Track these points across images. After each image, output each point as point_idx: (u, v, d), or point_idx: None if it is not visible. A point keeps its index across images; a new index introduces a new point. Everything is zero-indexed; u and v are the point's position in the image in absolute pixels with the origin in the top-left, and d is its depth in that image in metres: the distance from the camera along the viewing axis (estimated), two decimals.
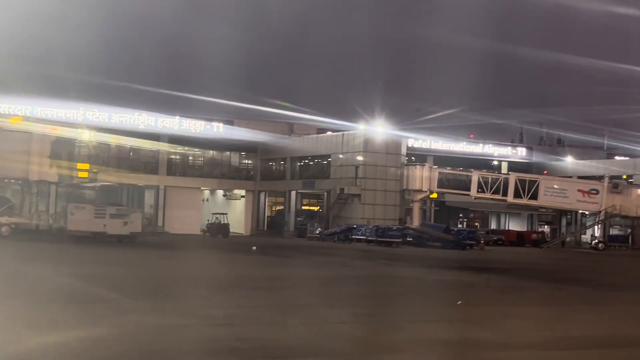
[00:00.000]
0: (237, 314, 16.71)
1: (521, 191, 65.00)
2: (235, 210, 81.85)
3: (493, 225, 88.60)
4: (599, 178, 66.06)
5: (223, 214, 64.72)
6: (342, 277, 27.75)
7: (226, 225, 62.97)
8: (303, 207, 77.70)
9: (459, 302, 20.71)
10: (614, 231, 76.00)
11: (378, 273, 30.81)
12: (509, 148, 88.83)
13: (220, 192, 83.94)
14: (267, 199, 79.47)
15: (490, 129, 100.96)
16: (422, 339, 14.37)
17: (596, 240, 64.95)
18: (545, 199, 65.01)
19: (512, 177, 65.52)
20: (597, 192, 63.69)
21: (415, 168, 66.61)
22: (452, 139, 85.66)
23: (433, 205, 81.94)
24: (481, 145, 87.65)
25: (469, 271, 33.80)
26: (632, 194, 63.77)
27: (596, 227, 66.50)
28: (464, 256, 46.34)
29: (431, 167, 66.59)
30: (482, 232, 71.27)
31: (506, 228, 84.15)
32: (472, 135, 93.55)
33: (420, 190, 66.63)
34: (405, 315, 17.68)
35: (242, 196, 79.79)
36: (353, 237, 58.30)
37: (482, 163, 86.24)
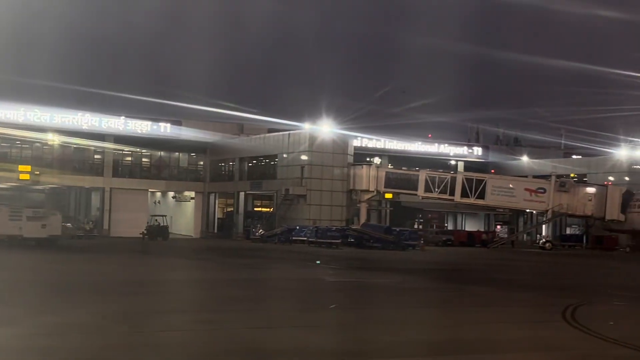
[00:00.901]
0: (66, 322, 15.39)
1: (468, 190, 64.11)
2: (186, 213, 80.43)
3: (450, 226, 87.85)
4: (547, 177, 65.36)
5: (162, 216, 63.19)
6: (236, 280, 26.45)
7: (165, 228, 61.42)
8: (256, 209, 76.35)
9: (333, 306, 19.57)
10: (573, 231, 75.50)
11: (280, 275, 29.55)
12: (465, 148, 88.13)
13: (171, 194, 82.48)
14: (217, 201, 77.98)
15: (451, 129, 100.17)
16: (232, 349, 13.12)
17: (543, 240, 64.15)
18: (492, 198, 64.15)
19: (460, 176, 64.60)
20: (544, 191, 62.93)
21: (362, 168, 65.46)
22: (407, 139, 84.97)
23: (388, 206, 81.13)
24: (437, 145, 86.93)
25: (388, 272, 32.65)
26: (578, 192, 63.05)
27: (544, 226, 65.62)
28: (398, 257, 45.19)
29: (378, 167, 65.48)
30: (432, 233, 70.47)
31: (463, 228, 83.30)
32: (430, 135, 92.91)
33: (367, 191, 65.49)
34: (253, 321, 16.42)
35: (192, 198, 78.30)
36: (293, 238, 57.03)
37: (439, 163, 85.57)
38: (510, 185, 64.14)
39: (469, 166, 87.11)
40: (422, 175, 65.19)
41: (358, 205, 66.50)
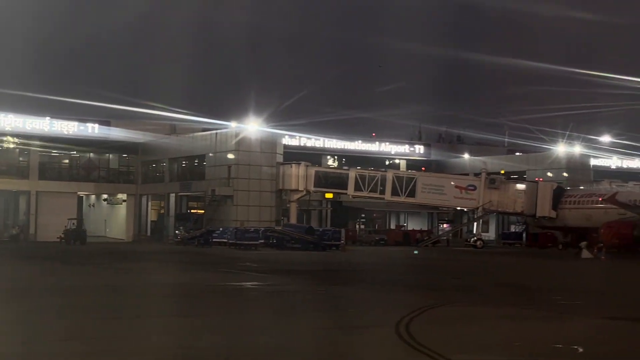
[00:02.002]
0: None
1: (399, 189, 62.86)
2: (119, 216, 78.27)
3: (392, 225, 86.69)
4: (478, 174, 64.36)
5: (79, 219, 61.02)
6: (90, 287, 24.61)
7: (83, 231, 59.24)
8: (191, 211, 74.40)
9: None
10: (518, 229, 74.54)
11: (152, 281, 27.78)
12: (407, 146, 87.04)
13: (103, 197, 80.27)
14: (150, 203, 75.95)
15: (399, 129, 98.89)
16: None
17: (474, 238, 63.09)
18: (422, 196, 62.96)
19: (390, 174, 63.31)
20: (475, 188, 61.91)
21: (291, 167, 63.85)
22: (348, 138, 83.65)
23: (329, 206, 79.75)
24: (378, 143, 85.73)
25: (278, 274, 31.03)
26: (509, 189, 62.14)
27: (475, 224, 64.58)
28: (308, 258, 43.61)
29: (307, 166, 63.86)
30: (365, 232, 69.09)
31: (405, 227, 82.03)
32: (373, 134, 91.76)
33: (297, 190, 63.93)
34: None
35: (124, 200, 76.14)
36: (214, 240, 55.30)
37: (380, 162, 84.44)
38: (441, 183, 62.96)
39: (412, 164, 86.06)
40: (352, 173, 63.84)
41: (288, 205, 64.92)
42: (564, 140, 75.07)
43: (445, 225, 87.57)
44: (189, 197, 72.97)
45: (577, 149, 74.33)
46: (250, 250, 50.82)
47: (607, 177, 77.19)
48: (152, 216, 76.21)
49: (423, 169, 73.79)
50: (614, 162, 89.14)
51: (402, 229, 74.30)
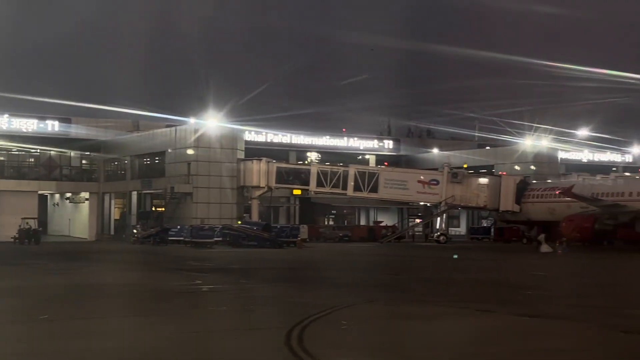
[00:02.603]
0: None
1: (361, 184, 61.95)
2: (82, 215, 76.97)
3: (362, 221, 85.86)
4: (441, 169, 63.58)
5: (33, 218, 59.71)
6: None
7: (37, 231, 57.91)
8: (154, 209, 73.20)
9: (44, 317, 16.88)
10: (490, 224, 73.82)
11: (74, 281, 26.64)
12: (375, 141, 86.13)
13: (66, 195, 79.00)
14: (113, 201, 74.72)
15: (368, 123, 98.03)
16: None
17: (438, 234, 62.32)
18: (385, 192, 62.06)
19: (352, 170, 62.33)
20: (437, 183, 61.09)
21: (252, 163, 62.76)
22: (313, 133, 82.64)
23: (297, 202, 78.81)
24: (346, 138, 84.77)
25: (212, 273, 30.18)
26: (471, 183, 61.33)
27: (438, 219, 63.73)
28: (258, 255, 42.62)
29: (268, 161, 62.79)
30: (329, 229, 68.18)
31: (374, 223, 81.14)
32: (344, 130, 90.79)
33: (258, 187, 62.86)
34: None
35: (86, 199, 74.83)
36: (170, 238, 54.22)
37: (351, 157, 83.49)
38: (403, 178, 62.10)
39: (382, 160, 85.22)
40: (314, 169, 62.86)
41: (249, 202, 63.89)
42: (532, 134, 74.48)
43: (418, 221, 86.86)
44: (152, 195, 71.81)
45: (544, 143, 73.69)
46: (205, 248, 49.80)
47: (580, 170, 77.17)
48: (115, 215, 74.99)
49: (386, 164, 72.86)
50: (585, 155, 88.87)
51: (381, 224, 73.13)
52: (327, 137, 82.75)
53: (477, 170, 72.31)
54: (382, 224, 73.13)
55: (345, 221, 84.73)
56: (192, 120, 62.78)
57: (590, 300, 21.59)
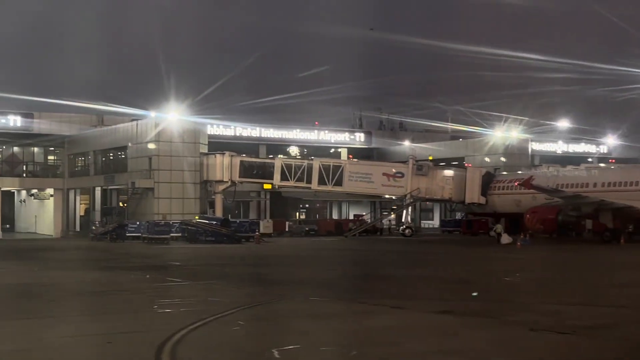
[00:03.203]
0: None
1: (325, 177, 60.97)
2: (47, 211, 75.66)
3: (335, 215, 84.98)
4: (405, 161, 62.63)
5: None
6: None
7: None
8: (123, 204, 71.98)
9: None
10: (461, 216, 72.97)
11: None
12: (347, 134, 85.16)
13: (32, 192, 77.69)
14: (78, 197, 73.45)
15: (342, 117, 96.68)
16: None
17: (404, 227, 61.49)
18: (349, 185, 61.10)
19: (316, 163, 61.30)
20: (402, 176, 60.19)
21: (215, 157, 61.65)
22: (283, 127, 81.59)
23: (267, 197, 77.84)
24: (317, 132, 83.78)
25: (146, 271, 29.17)
26: (436, 175, 60.45)
27: (404, 212, 62.87)
28: (209, 252, 41.66)
29: (232, 155, 61.66)
30: (295, 223, 67.18)
31: (347, 216, 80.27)
32: (317, 123, 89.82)
33: (222, 181, 61.77)
34: None
35: (51, 195, 73.53)
36: (128, 234, 53.13)
37: (323, 151, 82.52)
38: (368, 171, 61.19)
39: (353, 153, 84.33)
40: (278, 162, 61.82)
41: (212, 197, 62.81)
42: (503, 125, 73.73)
43: (393, 215, 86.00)
44: (118, 191, 70.60)
45: (515, 134, 72.93)
46: (161, 244, 48.79)
47: (555, 162, 76.54)
48: (80, 211, 73.77)
49: (350, 156, 71.97)
50: (559, 146, 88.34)
51: (362, 217, 72.02)
52: (298, 130, 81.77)
53: (448, 163, 71.56)
54: (363, 217, 72.13)
55: (317, 215, 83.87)
56: (152, 114, 61.52)
57: (519, 296, 20.84)
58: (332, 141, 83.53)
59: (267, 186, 69.92)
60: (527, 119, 75.88)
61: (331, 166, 61.23)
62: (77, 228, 72.35)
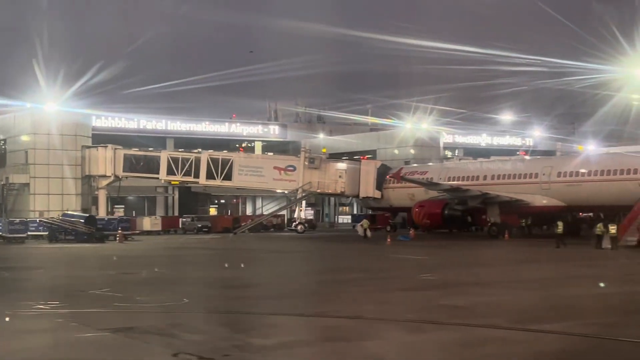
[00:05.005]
0: None
1: (214, 171, 57.78)
2: None
3: (249, 210, 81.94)
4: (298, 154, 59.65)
5: None
6: None
7: None
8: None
9: None
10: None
11: None
12: (260, 127, 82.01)
13: None
14: None
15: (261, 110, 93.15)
16: None
17: (296, 222, 58.55)
18: (239, 179, 57.98)
19: (204, 156, 58.06)
20: (294, 169, 57.26)
21: (97, 150, 58.15)
22: (195, 120, 78.23)
23: (176, 192, 74.52)
24: (227, 124, 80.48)
25: None
26: (329, 169, 57.61)
27: (297, 207, 59.98)
28: (45, 252, 38.26)
29: (115, 148, 58.15)
30: (188, 220, 63.84)
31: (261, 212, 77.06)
32: (234, 115, 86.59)
33: (105, 176, 58.25)
34: None
35: None
36: None
37: (236, 145, 79.19)
38: (259, 164, 58.14)
39: (269, 146, 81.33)
40: (164, 155, 58.50)
41: (96, 192, 59.26)
42: (415, 117, 71.26)
43: (310, 210, 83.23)
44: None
45: (425, 126, 70.44)
46: (17, 244, 45.28)
47: (479, 155, 74.02)
48: None
49: (241, 149, 68.82)
50: (483, 139, 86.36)
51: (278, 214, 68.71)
52: (207, 122, 78.46)
53: (361, 156, 68.95)
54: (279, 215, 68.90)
55: (230, 211, 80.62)
56: (28, 105, 57.76)
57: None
58: (245, 134, 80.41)
59: (175, 182, 66.66)
60: (439, 107, 73.36)
61: (220, 159, 58.03)
62: None
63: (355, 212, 79.48)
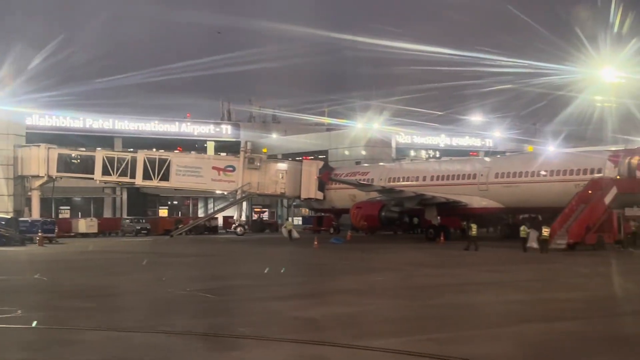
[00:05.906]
0: None
1: (151, 172, 55.94)
2: None
3: (201, 212, 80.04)
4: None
5: None
6: None
7: None
8: None
9: None
10: None
11: None
12: (212, 126, 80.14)
13: None
14: None
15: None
16: None
17: (236, 224, 56.88)
18: (177, 180, 56.21)
19: (141, 155, 56.19)
20: (234, 169, 55.58)
21: (30, 149, 56.11)
22: (144, 119, 76.25)
23: (124, 193, 72.56)
24: (177, 123, 78.57)
25: None
26: (270, 169, 55.98)
27: (237, 208, 58.27)
28: None
29: (49, 147, 56.12)
30: (128, 221, 62.01)
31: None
32: (188, 115, 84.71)
33: (38, 176, 56.20)
34: None
35: None
36: None
37: (188, 145, 77.26)
38: (197, 164, 56.38)
39: (223, 146, 79.62)
40: (99, 155, 56.56)
41: (29, 193, 57.17)
42: (367, 117, 69.79)
43: (264, 212, 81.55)
44: None
45: (376, 126, 68.95)
46: None
47: (443, 155, 72.47)
48: None
49: (179, 148, 66.90)
50: (442, 140, 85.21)
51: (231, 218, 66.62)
52: (156, 121, 76.52)
53: (316, 156, 67.43)
54: (231, 218, 66.96)
55: (179, 212, 78.79)
56: None
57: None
58: (196, 134, 78.60)
59: (109, 182, 64.43)
60: (422, 111, 72.29)
61: (157, 159, 56.21)
62: None
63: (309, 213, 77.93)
